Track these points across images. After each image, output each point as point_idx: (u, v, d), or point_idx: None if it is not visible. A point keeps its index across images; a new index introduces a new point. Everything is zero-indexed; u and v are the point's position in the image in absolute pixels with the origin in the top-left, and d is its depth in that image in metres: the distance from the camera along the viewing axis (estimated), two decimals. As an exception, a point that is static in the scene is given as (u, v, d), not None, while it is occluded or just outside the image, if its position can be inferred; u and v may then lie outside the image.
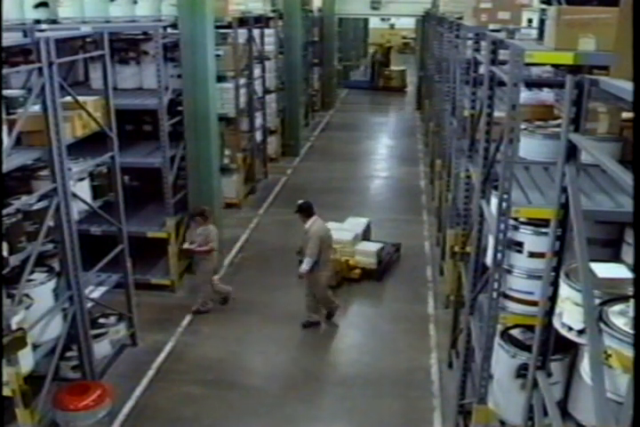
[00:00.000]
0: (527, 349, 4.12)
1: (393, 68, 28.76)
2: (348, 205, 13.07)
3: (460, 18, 8.56)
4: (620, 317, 2.89)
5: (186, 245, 8.55)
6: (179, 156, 9.17)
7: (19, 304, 5.42)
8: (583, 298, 2.95)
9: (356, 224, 10.42)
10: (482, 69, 6.07)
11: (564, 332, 3.32)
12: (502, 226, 4.33)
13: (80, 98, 6.44)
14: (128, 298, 7.67)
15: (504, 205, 4.26)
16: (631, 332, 2.70)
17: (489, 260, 4.71)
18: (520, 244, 4.37)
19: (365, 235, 10.37)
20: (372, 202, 13.72)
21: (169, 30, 9.04)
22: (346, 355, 7.98)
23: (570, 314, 3.26)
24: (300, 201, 8.23)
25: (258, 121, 13.71)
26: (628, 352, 2.63)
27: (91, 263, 6.82)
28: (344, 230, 9.96)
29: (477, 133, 6.08)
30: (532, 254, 4.32)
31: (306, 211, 8.06)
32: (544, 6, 4.66)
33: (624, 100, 2.65)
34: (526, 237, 4.34)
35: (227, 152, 11.81)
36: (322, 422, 6.69)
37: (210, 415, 6.63)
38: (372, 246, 9.85)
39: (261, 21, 13.71)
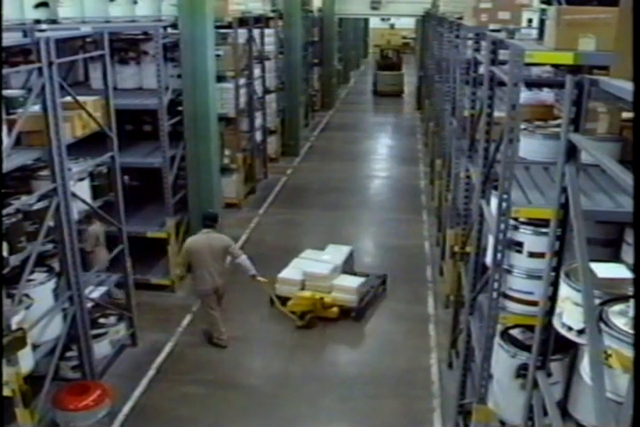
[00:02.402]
0: (527, 349, 4.12)
1: (386, 72, 27.32)
2: (348, 205, 13.10)
3: (460, 18, 8.56)
4: (619, 317, 2.89)
5: None
6: (179, 156, 9.17)
7: (19, 304, 5.42)
8: (583, 298, 2.95)
9: (336, 253, 9.25)
10: (482, 69, 6.06)
11: (563, 332, 3.32)
12: (502, 226, 4.33)
13: (80, 98, 6.43)
14: (128, 298, 7.67)
15: (504, 205, 4.26)
16: (631, 332, 2.70)
17: (489, 260, 4.71)
18: (520, 244, 4.37)
19: (347, 265, 9.19)
20: (371, 202, 13.72)
21: (169, 30, 9.04)
22: (346, 355, 7.98)
23: (570, 314, 3.26)
24: (209, 210, 8.14)
25: (258, 121, 13.70)
26: (628, 352, 2.63)
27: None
28: (321, 262, 8.89)
29: (477, 133, 6.07)
30: (531, 254, 4.32)
31: (202, 220, 7.81)
32: (544, 6, 4.66)
33: (624, 100, 2.65)
34: (526, 237, 4.34)
35: (227, 152, 11.81)
36: (322, 423, 6.69)
37: (210, 415, 6.63)
38: (352, 282, 8.63)
39: (261, 21, 13.71)
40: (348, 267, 9.23)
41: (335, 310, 8.36)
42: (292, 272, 8.81)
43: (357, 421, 6.65)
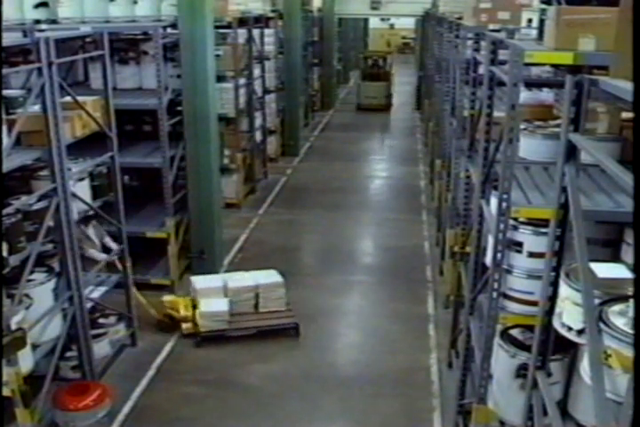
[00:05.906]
0: (527, 349, 4.12)
1: (373, 83, 23.88)
2: (348, 205, 13.10)
3: (460, 18, 8.56)
4: (619, 317, 2.89)
5: None
6: (178, 156, 9.16)
7: (19, 304, 5.42)
8: (583, 298, 2.95)
9: (250, 279, 8.43)
10: (482, 69, 6.07)
11: (563, 332, 3.32)
12: (502, 226, 4.33)
13: (80, 98, 6.43)
14: (128, 298, 7.67)
15: (504, 205, 4.26)
16: (631, 332, 2.70)
17: (489, 260, 4.71)
18: (520, 244, 4.37)
19: (245, 293, 8.24)
20: (371, 202, 13.73)
21: (169, 30, 9.03)
22: (346, 355, 7.97)
23: (569, 314, 3.26)
24: None
25: (257, 121, 13.71)
26: (628, 352, 2.63)
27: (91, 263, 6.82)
28: (216, 280, 8.49)
29: (477, 133, 6.07)
30: (531, 254, 4.32)
31: None
32: (544, 6, 4.65)
33: (624, 100, 2.65)
34: (526, 237, 4.34)
35: (227, 152, 11.80)
36: (322, 422, 6.69)
37: (210, 415, 6.63)
38: (205, 305, 8.02)
39: (261, 21, 13.72)
40: (245, 295, 8.29)
41: (187, 326, 7.97)
42: (194, 279, 8.59)
43: (357, 420, 6.64)
